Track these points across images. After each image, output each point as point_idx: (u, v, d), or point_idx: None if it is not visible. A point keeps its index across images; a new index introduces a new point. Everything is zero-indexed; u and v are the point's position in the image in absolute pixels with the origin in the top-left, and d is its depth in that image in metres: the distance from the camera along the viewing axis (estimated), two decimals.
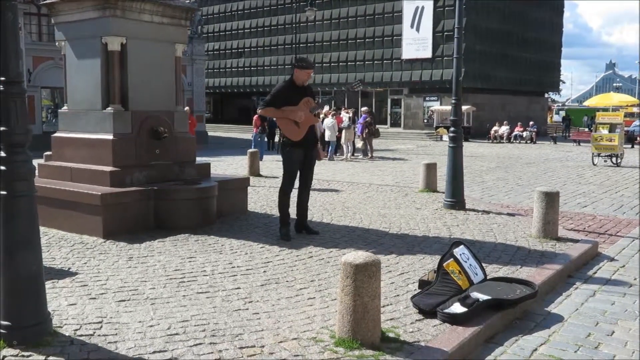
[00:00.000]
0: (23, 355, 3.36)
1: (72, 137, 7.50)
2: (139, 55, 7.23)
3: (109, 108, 7.10)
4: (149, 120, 7.29)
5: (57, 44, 7.73)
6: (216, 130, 42.75)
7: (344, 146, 19.61)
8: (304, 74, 6.46)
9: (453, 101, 8.91)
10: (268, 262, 5.56)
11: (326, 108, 19.71)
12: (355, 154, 20.53)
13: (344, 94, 8.37)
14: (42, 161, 8.06)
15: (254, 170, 13.49)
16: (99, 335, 3.70)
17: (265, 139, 21.31)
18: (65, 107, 7.75)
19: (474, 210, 8.65)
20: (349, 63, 43.08)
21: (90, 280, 4.88)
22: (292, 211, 6.75)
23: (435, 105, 38.53)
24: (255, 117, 19.43)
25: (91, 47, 7.16)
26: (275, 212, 7.94)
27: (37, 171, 7.41)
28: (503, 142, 32.79)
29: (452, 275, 4.58)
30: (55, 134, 7.84)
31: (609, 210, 9.55)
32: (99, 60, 7.09)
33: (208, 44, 47.43)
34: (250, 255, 5.81)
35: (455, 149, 8.81)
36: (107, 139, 7.05)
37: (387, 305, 4.38)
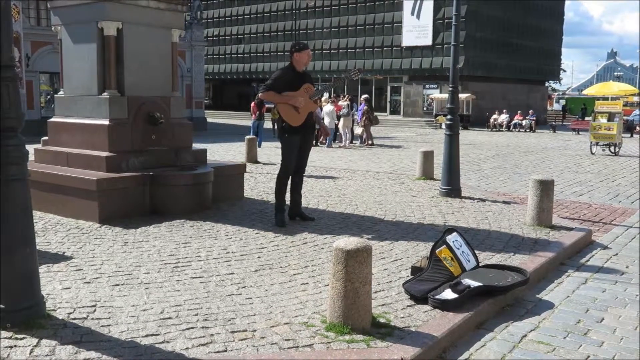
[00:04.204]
0: (16, 338, 3.39)
1: (68, 122, 7.50)
2: (135, 41, 7.21)
3: (105, 93, 7.10)
4: (145, 105, 7.28)
5: (53, 28, 7.71)
6: (215, 117, 42.71)
7: (342, 133, 19.61)
8: (303, 55, 6.47)
9: (450, 89, 8.90)
10: (262, 248, 5.59)
11: (325, 96, 19.70)
12: (354, 142, 20.53)
13: (342, 81, 8.40)
14: (39, 146, 8.07)
15: (252, 157, 13.51)
16: (92, 319, 3.73)
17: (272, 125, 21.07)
18: (61, 92, 7.75)
19: (469, 198, 8.68)
20: (348, 50, 42.96)
21: (85, 264, 4.92)
22: (287, 198, 6.78)
23: (435, 93, 38.44)
24: (252, 104, 19.38)
25: (87, 32, 7.15)
26: (271, 198, 7.97)
27: (33, 156, 7.45)
28: (502, 131, 32.77)
29: (444, 262, 4.61)
30: (52, 119, 7.84)
31: (604, 198, 9.58)
32: (95, 45, 7.07)
33: (207, 30, 47.25)
34: (245, 241, 5.84)
35: (452, 136, 8.82)
36: (103, 124, 7.05)
37: (380, 291, 4.41)
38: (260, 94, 6.71)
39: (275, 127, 19.70)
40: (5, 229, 3.45)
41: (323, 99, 19.47)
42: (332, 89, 30.16)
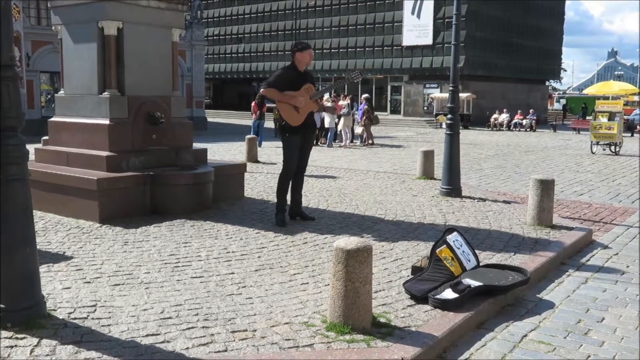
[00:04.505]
0: (17, 338, 3.39)
1: (68, 121, 7.51)
2: (135, 40, 7.21)
3: (105, 93, 7.10)
4: (146, 105, 7.28)
5: (53, 28, 7.71)
6: (216, 116, 42.70)
7: (343, 133, 19.60)
8: (305, 55, 6.47)
9: (450, 88, 8.89)
10: (263, 247, 5.59)
11: (326, 96, 19.65)
12: (354, 141, 20.53)
13: (343, 82, 8.37)
14: (40, 146, 8.07)
15: (252, 157, 13.51)
16: (92, 319, 3.73)
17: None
18: (61, 92, 7.75)
19: (470, 197, 8.67)
20: (349, 50, 42.93)
21: (86, 264, 4.91)
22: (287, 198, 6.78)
23: (435, 93, 38.43)
24: (253, 103, 19.36)
25: (87, 32, 7.15)
26: (271, 198, 7.98)
27: (34, 155, 7.45)
28: (503, 130, 32.76)
29: (444, 261, 4.61)
30: (52, 119, 7.85)
31: (605, 198, 9.57)
32: (95, 44, 7.07)
33: (208, 30, 47.24)
34: (245, 240, 5.84)
35: (452, 136, 8.81)
36: (103, 124, 7.05)
37: (380, 290, 4.41)
38: (261, 90, 6.72)
39: (277, 126, 19.70)
40: (6, 229, 3.45)
41: (324, 98, 19.45)
42: (333, 89, 30.13)
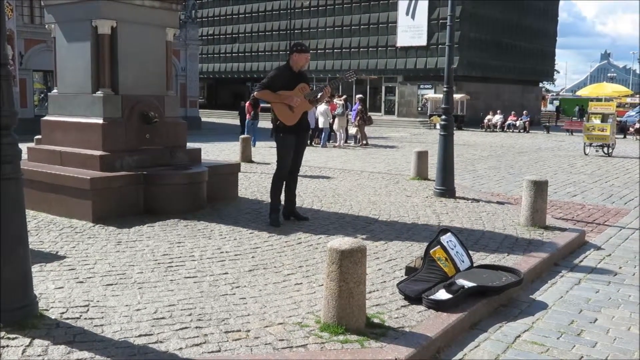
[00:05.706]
0: (9, 338, 3.37)
1: (61, 120, 7.47)
2: (129, 39, 7.19)
3: (99, 92, 7.08)
4: (140, 104, 7.26)
5: (47, 26, 7.67)
6: (210, 116, 42.63)
7: (337, 133, 19.60)
8: (302, 57, 6.47)
9: (445, 89, 8.90)
10: (257, 247, 5.58)
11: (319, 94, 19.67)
12: (348, 141, 20.54)
13: (338, 82, 8.42)
14: (33, 145, 8.03)
15: (246, 156, 13.49)
16: (85, 319, 3.71)
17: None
18: (55, 91, 7.72)
19: (464, 198, 8.69)
20: (343, 50, 42.94)
21: (78, 264, 4.89)
22: (281, 198, 6.77)
23: (430, 94, 38.48)
24: (247, 103, 19.33)
25: (81, 30, 7.12)
26: (265, 198, 7.96)
27: (27, 155, 7.41)
28: (496, 131, 32.84)
29: (438, 262, 4.61)
30: (45, 118, 7.81)
31: (598, 199, 9.61)
32: (89, 43, 7.04)
33: (202, 29, 47.14)
34: (239, 240, 5.82)
35: (446, 137, 8.82)
36: (97, 123, 7.02)
37: (374, 291, 4.41)
38: (255, 93, 6.71)
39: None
40: (0, 229, 3.42)
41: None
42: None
